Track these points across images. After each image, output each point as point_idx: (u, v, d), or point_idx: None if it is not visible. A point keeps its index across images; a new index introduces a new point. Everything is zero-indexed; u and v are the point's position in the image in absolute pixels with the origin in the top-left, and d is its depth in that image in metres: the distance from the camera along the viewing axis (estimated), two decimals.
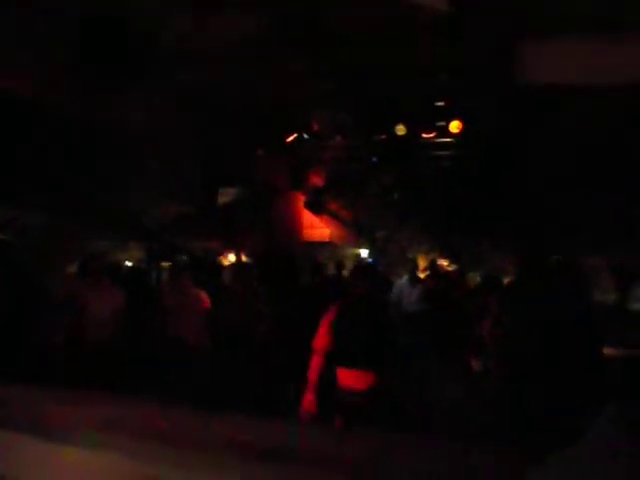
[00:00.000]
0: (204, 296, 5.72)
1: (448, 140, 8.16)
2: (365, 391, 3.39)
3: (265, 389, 4.65)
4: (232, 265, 10.06)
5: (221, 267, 10.18)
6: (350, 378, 3.45)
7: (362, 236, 11.55)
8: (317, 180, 10.50)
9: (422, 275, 8.49)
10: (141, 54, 6.05)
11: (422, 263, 9.69)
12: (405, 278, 7.81)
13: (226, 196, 11.70)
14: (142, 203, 10.77)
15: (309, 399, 3.51)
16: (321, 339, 3.62)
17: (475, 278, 9.36)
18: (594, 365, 4.82)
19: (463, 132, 7.45)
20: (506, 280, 8.08)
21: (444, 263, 11.41)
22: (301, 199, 10.71)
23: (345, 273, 8.41)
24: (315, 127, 7.86)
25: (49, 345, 5.22)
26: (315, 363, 3.56)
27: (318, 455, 1.44)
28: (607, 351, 5.07)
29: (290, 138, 8.39)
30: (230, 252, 11.98)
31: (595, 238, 9.21)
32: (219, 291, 6.47)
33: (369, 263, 9.01)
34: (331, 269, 9.71)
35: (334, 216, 11.01)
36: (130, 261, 11.68)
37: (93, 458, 1.63)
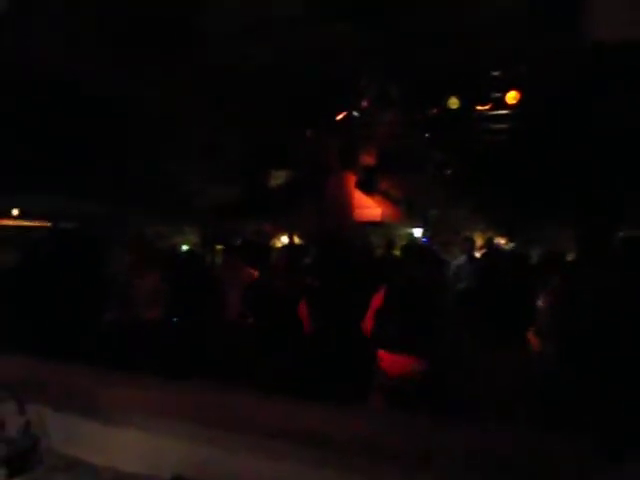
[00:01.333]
0: (254, 273, 5.73)
1: (505, 112, 7.77)
2: (409, 376, 3.30)
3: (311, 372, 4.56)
4: (284, 247, 10.11)
5: (273, 250, 10.23)
6: (394, 362, 3.37)
7: (415, 215, 11.30)
8: (368, 159, 10.31)
9: (478, 254, 8.21)
10: (186, 31, 6.05)
11: (479, 241, 9.38)
12: (463, 257, 7.53)
13: (278, 178, 11.74)
14: (195, 187, 10.97)
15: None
16: (368, 322, 3.57)
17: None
18: None
19: (521, 103, 7.05)
20: (569, 258, 7.72)
21: (501, 241, 11.04)
22: (352, 179, 10.56)
23: (396, 252, 8.26)
24: (365, 104, 7.65)
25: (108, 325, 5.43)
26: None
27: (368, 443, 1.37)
28: None
29: (340, 116, 8.24)
30: (283, 234, 12.05)
31: None
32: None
33: (423, 243, 8.79)
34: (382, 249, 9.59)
35: (386, 195, 10.80)
36: (186, 245, 11.96)
37: (146, 440, 1.62)
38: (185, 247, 11.79)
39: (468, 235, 8.32)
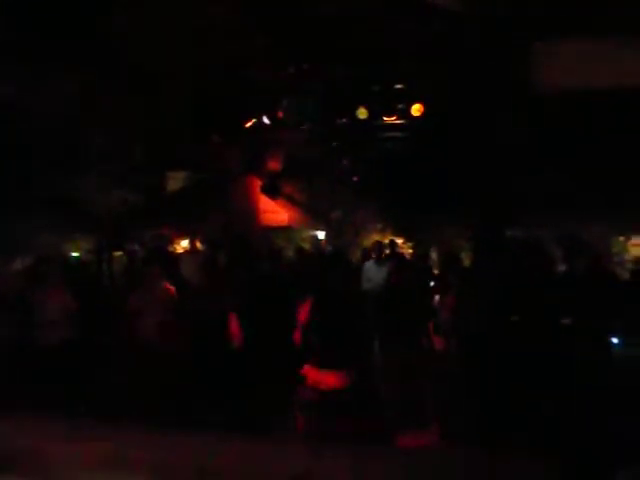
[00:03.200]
0: (172, 290, 5.53)
1: (404, 122, 8.16)
2: (337, 389, 3.37)
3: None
4: (190, 254, 9.81)
5: (176, 255, 9.90)
6: (323, 377, 3.41)
7: (318, 218, 11.51)
8: (274, 164, 10.34)
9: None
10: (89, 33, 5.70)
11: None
12: (372, 260, 7.94)
13: (177, 181, 11.35)
14: (86, 191, 10.27)
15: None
16: (297, 335, 3.58)
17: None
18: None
19: (423, 114, 7.47)
20: (464, 257, 8.31)
21: (399, 241, 11.59)
22: (257, 183, 10.55)
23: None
24: (280, 114, 7.67)
25: None
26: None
27: None
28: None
29: (249, 123, 8.18)
30: (183, 239, 11.65)
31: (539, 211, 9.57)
32: (180, 283, 6.26)
33: (337, 252, 8.99)
34: (289, 251, 9.68)
35: (290, 199, 10.90)
36: (77, 251, 11.17)
37: None
38: (75, 254, 11.02)
39: (378, 239, 8.81)
